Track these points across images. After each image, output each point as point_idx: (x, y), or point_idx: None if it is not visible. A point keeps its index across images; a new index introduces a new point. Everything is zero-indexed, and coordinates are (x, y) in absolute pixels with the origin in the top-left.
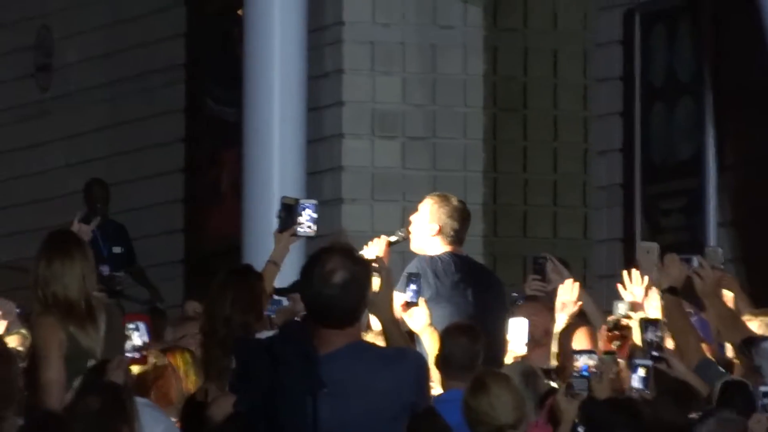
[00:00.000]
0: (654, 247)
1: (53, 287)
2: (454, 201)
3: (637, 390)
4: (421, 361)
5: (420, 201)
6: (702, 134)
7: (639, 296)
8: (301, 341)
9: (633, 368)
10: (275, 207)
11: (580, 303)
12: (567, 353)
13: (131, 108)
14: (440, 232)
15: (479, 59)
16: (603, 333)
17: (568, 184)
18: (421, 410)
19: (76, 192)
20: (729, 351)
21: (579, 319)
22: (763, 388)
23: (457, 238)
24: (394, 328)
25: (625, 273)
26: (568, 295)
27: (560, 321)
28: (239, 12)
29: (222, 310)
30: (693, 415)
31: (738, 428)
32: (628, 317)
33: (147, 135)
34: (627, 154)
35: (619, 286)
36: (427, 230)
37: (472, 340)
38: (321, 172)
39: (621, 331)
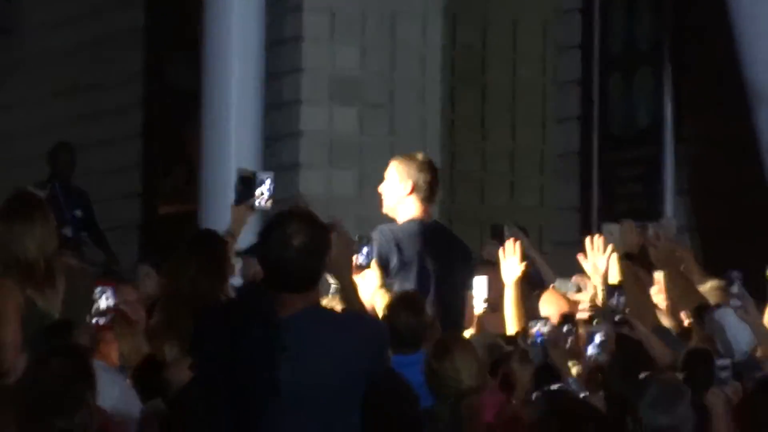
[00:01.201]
0: (616, 228)
1: (11, 249)
2: (420, 156)
3: (593, 356)
4: (380, 325)
5: (377, 167)
6: (660, 104)
7: (601, 266)
8: (260, 305)
9: (589, 335)
10: (233, 171)
11: (524, 264)
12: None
13: (90, 72)
14: (414, 189)
15: (438, 28)
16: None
17: (525, 152)
18: (382, 371)
19: (35, 155)
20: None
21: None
22: (720, 362)
23: (431, 193)
24: (352, 291)
25: (587, 240)
26: (510, 257)
27: (507, 287)
28: None
29: (187, 271)
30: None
31: (680, 392)
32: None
33: (105, 99)
34: (585, 122)
35: (580, 257)
36: (401, 190)
37: (414, 313)
38: (279, 137)
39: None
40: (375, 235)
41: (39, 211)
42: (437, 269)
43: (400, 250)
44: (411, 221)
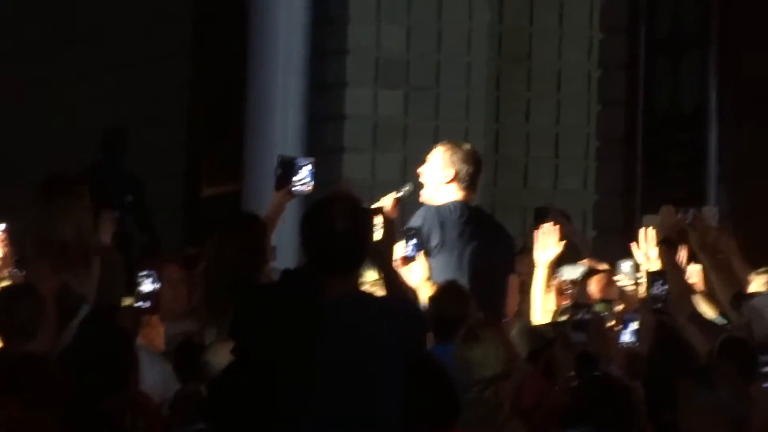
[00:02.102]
0: (656, 219)
1: (46, 231)
2: (466, 146)
3: (628, 344)
4: (421, 313)
5: (422, 151)
6: (705, 87)
7: (653, 257)
8: (302, 288)
9: (624, 323)
10: (277, 153)
11: (563, 243)
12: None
13: (138, 50)
14: (456, 178)
15: (485, 8)
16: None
17: (570, 136)
18: (421, 356)
19: (82, 131)
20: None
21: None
22: (764, 357)
23: (472, 183)
24: (395, 278)
25: (641, 231)
26: (548, 238)
27: (541, 267)
28: None
29: (226, 253)
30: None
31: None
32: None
33: (152, 78)
34: (630, 106)
35: (633, 245)
36: (442, 178)
37: (459, 304)
38: (324, 120)
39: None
40: (418, 213)
41: (74, 194)
42: (480, 251)
43: (442, 228)
44: (455, 202)
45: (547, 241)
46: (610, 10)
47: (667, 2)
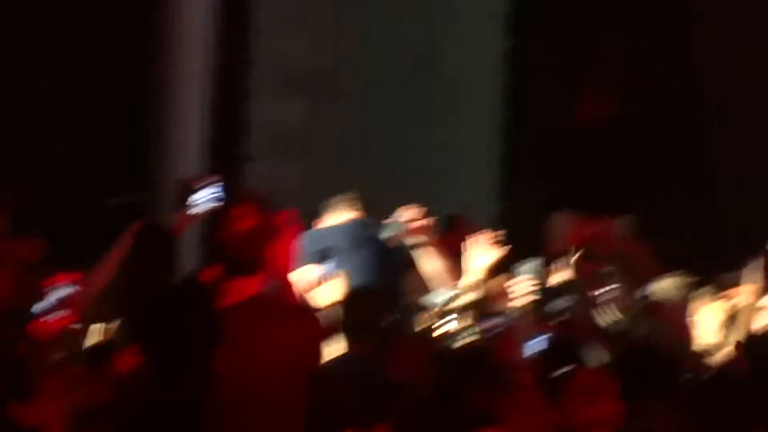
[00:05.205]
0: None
1: None
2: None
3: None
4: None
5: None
6: None
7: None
8: (202, 292)
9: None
10: (184, 160)
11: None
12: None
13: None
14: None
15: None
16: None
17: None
18: (323, 369)
19: None
20: None
21: None
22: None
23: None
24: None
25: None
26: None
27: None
28: None
29: (133, 267)
30: None
31: None
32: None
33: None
34: None
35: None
36: None
37: (370, 306)
38: (228, 129)
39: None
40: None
41: None
42: (364, 261)
43: (327, 246)
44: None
45: (479, 248)
46: None
47: None
